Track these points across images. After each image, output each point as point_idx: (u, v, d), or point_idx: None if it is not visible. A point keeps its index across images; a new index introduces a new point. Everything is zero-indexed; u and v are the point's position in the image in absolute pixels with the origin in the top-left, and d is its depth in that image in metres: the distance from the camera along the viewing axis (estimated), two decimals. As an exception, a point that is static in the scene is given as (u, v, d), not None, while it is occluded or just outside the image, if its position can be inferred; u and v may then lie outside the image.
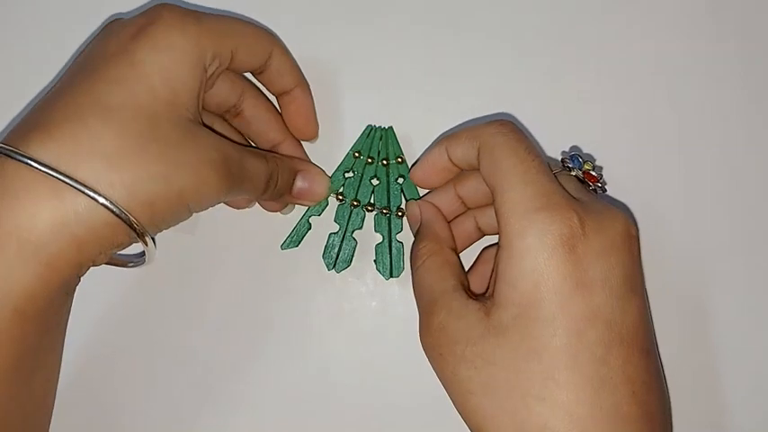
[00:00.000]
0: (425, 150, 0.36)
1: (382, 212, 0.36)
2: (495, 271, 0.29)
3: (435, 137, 0.37)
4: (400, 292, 0.37)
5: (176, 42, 0.28)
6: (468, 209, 0.35)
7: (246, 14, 0.38)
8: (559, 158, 0.36)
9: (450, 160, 0.32)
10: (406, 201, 0.36)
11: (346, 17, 0.38)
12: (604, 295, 0.27)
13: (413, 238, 0.34)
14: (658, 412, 0.27)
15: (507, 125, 0.30)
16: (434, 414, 0.36)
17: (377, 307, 0.37)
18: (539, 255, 0.26)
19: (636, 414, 0.26)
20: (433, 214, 0.34)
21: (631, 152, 0.37)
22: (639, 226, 0.32)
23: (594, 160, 0.35)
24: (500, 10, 0.38)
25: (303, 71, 0.36)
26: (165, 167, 0.27)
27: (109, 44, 0.28)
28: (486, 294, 0.30)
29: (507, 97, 0.37)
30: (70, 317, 0.29)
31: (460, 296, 0.29)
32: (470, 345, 0.27)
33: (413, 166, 0.34)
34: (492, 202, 0.29)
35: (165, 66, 0.28)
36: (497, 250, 0.28)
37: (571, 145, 0.37)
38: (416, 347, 0.36)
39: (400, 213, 0.36)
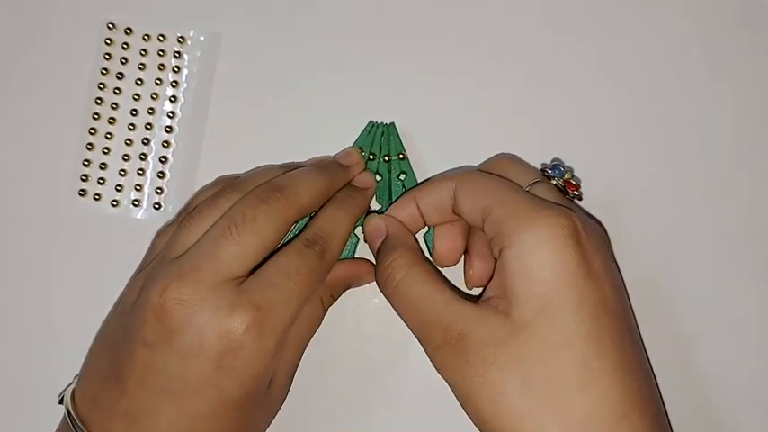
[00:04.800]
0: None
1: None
2: (500, 273, 0.29)
3: (437, 133, 0.37)
4: (402, 288, 0.37)
5: (262, 371, 0.29)
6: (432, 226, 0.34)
7: (247, 9, 0.38)
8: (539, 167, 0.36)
9: (418, 208, 0.33)
10: None
11: (349, 13, 0.38)
12: (608, 285, 0.28)
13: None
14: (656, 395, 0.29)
15: (474, 170, 0.33)
16: (437, 412, 0.36)
17: (379, 304, 0.37)
18: (553, 245, 0.27)
19: (653, 396, 0.28)
20: (399, 226, 0.33)
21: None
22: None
23: (573, 171, 0.36)
24: (502, 8, 0.38)
25: (304, 67, 0.36)
26: None
27: (187, 364, 0.29)
28: (486, 298, 0.29)
29: (508, 93, 0.37)
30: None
31: (468, 304, 0.29)
32: (500, 347, 0.27)
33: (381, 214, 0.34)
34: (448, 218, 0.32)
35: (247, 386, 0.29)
36: (500, 253, 0.29)
37: (553, 156, 0.37)
38: (419, 344, 0.36)
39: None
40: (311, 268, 0.31)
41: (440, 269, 0.34)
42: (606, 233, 0.34)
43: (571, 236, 0.28)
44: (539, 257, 0.27)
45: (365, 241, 0.35)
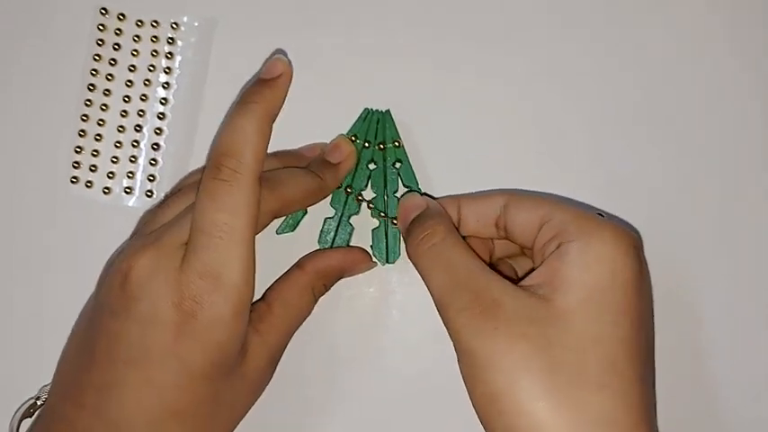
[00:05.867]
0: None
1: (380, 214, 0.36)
2: (553, 262, 0.28)
3: (432, 121, 0.37)
4: (398, 277, 0.36)
5: (225, 340, 0.29)
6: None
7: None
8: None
9: (459, 212, 0.32)
10: (404, 185, 0.36)
11: (346, 1, 0.37)
12: (648, 304, 0.29)
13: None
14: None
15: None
16: (434, 401, 0.36)
17: (374, 293, 0.37)
18: (618, 249, 0.28)
19: (656, 416, 0.28)
20: (440, 206, 0.33)
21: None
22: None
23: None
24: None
25: (301, 53, 0.36)
26: None
27: (147, 333, 0.28)
28: (525, 284, 0.28)
29: (506, 81, 0.37)
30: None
31: (506, 280, 0.28)
32: (535, 324, 0.26)
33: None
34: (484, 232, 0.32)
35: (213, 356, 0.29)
36: (558, 247, 0.28)
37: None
38: (415, 332, 0.36)
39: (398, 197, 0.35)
40: (228, 209, 0.28)
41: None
42: None
43: (634, 249, 0.28)
44: (601, 254, 0.27)
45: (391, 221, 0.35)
